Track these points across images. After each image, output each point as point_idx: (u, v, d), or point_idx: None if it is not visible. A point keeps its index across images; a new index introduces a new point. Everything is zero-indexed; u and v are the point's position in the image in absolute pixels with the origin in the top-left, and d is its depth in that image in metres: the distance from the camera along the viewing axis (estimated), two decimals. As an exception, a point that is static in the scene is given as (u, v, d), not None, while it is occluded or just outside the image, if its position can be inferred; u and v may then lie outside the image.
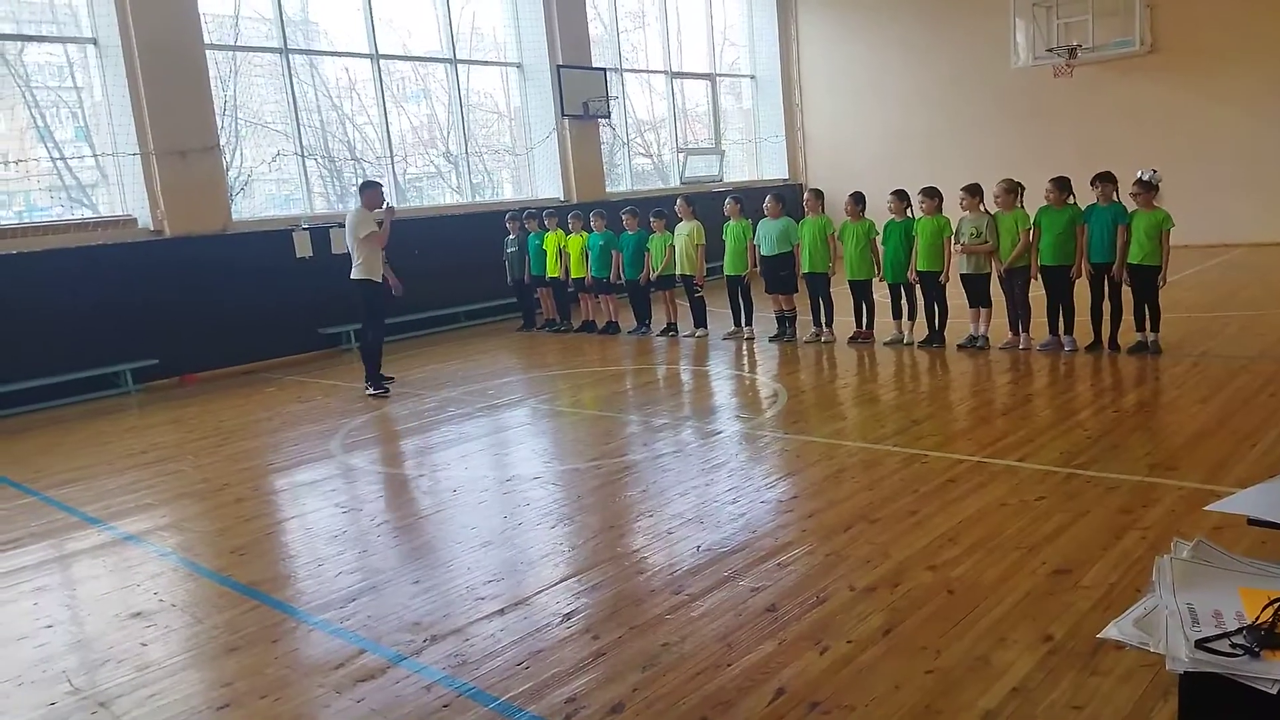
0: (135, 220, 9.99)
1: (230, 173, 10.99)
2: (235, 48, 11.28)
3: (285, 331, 10.76)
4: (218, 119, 10.55)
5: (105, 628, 3.74)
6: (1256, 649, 1.51)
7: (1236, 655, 1.52)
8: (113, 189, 10.09)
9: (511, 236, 11.39)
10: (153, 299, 9.71)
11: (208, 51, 10.44)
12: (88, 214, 10.03)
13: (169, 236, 9.98)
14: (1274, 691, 1.44)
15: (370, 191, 8.10)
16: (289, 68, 11.49)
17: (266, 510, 5.29)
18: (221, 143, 10.60)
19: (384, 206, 8.12)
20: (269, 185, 11.86)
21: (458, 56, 13.35)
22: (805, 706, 2.70)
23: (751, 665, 2.96)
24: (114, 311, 9.46)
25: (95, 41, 9.87)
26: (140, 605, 3.93)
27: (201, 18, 10.29)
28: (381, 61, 12.45)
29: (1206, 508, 2.13)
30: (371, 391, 8.19)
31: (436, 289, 12.08)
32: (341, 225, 11.23)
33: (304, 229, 10.98)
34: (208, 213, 10.27)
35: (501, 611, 3.54)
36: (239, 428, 7.46)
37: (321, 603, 3.79)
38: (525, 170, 14.34)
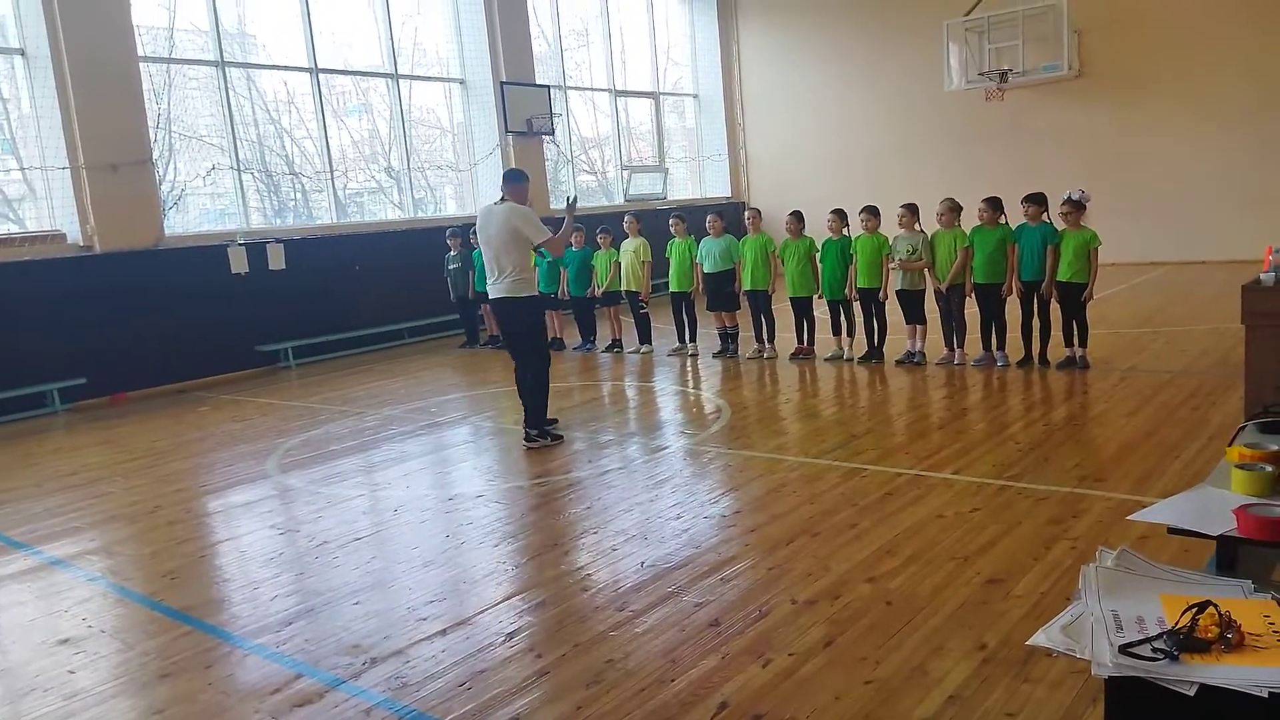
0: (64, 235, 9.71)
1: (163, 187, 10.75)
2: (169, 60, 11.06)
3: (220, 349, 10.53)
4: (151, 132, 10.32)
5: (31, 655, 3.61)
6: (1176, 653, 1.58)
7: (1158, 659, 1.58)
8: (41, 203, 9.79)
9: (453, 253, 11.32)
10: (82, 316, 9.43)
11: (141, 64, 10.22)
12: (14, 229, 9.72)
13: (99, 252, 9.71)
14: (1191, 693, 1.50)
15: (518, 185, 6.29)
16: (225, 81, 11.30)
17: (200, 533, 5.16)
18: (155, 156, 10.38)
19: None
20: (203, 200, 11.62)
21: (399, 71, 13.26)
22: (748, 719, 2.72)
23: (695, 680, 2.97)
24: (41, 329, 9.17)
25: (23, 52, 9.60)
26: (68, 631, 3.80)
27: (135, 29, 10.08)
28: (321, 75, 12.32)
29: (1129, 517, 2.21)
30: (537, 442, 6.29)
31: (379, 306, 11.95)
32: (278, 241, 11.12)
33: (240, 244, 10.77)
34: (140, 228, 10.02)
35: (443, 632, 3.50)
36: (171, 448, 7.27)
37: (257, 627, 3.71)
38: (468, 186, 14.27)
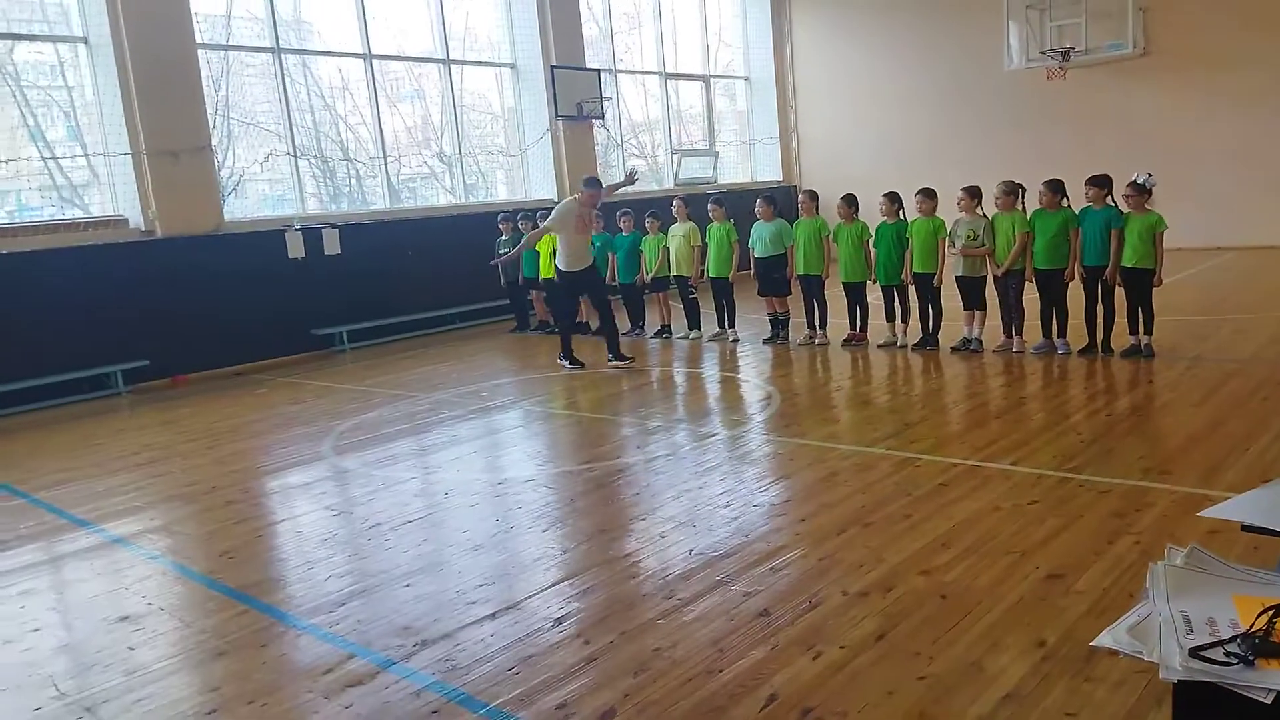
0: (127, 220, 9.94)
1: (222, 173, 10.94)
2: (227, 47, 11.23)
3: (277, 332, 10.72)
4: (210, 119, 10.50)
5: (93, 631, 3.71)
6: (1251, 657, 1.50)
7: (1230, 664, 1.51)
8: (104, 189, 10.04)
9: (504, 238, 11.36)
10: (144, 300, 9.65)
11: (200, 51, 10.39)
12: (79, 214, 9.98)
13: (160, 237, 9.93)
14: (1268, 701, 1.43)
15: (583, 189, 8.63)
16: (281, 67, 11.44)
17: (257, 513, 5.25)
18: (214, 142, 10.56)
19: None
20: (261, 185, 11.81)
21: (451, 57, 13.32)
22: (798, 712, 2.68)
23: (743, 670, 2.94)
24: (105, 312, 9.41)
25: (86, 40, 9.82)
26: (128, 609, 3.89)
27: (193, 17, 10.24)
28: (375, 61, 12.42)
29: (1200, 513, 2.12)
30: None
31: (431, 290, 12.05)
32: (334, 226, 11.27)
33: (296, 230, 10.93)
34: (200, 213, 10.22)
35: (493, 616, 3.51)
36: (230, 430, 7.42)
37: (311, 607, 3.76)
38: (519, 171, 14.31)
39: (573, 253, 8.41)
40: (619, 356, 8.57)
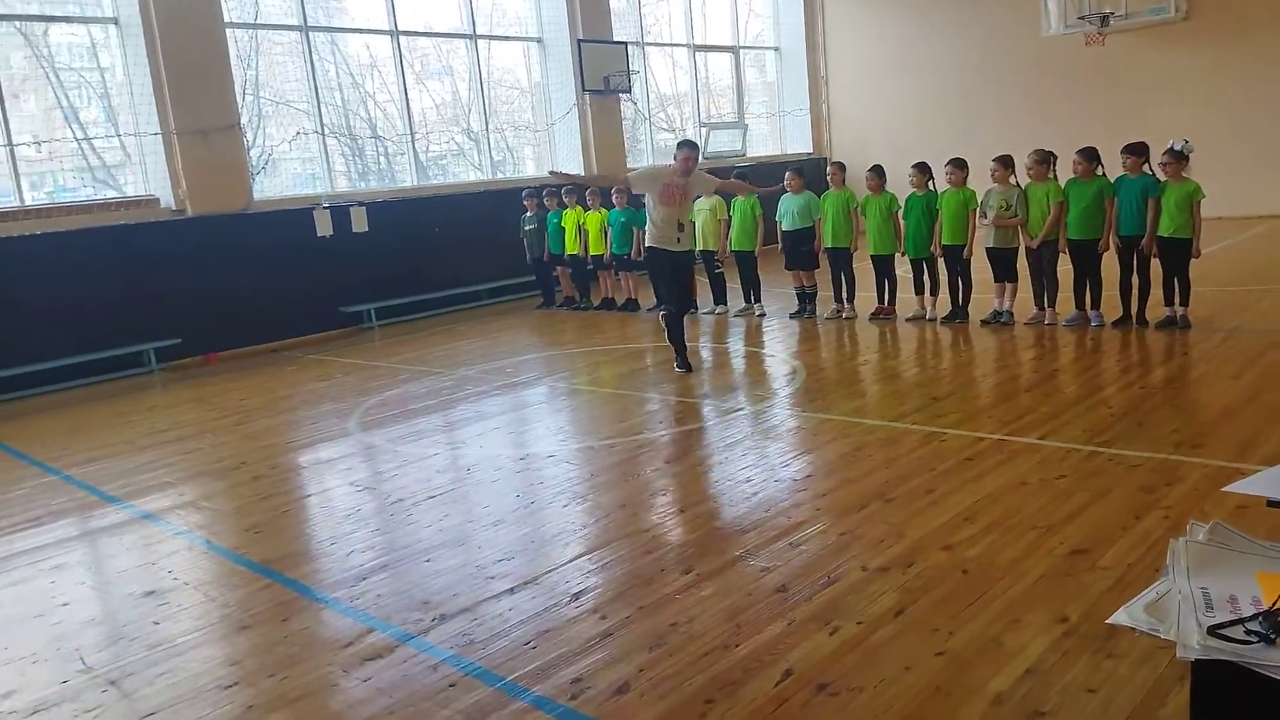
0: (158, 200, 10.03)
1: (252, 152, 11.00)
2: (255, 25, 11.25)
3: (307, 310, 10.80)
4: (239, 98, 10.54)
5: (120, 606, 3.77)
6: (1272, 636, 1.45)
7: (1251, 642, 1.46)
8: (136, 169, 10.14)
9: (529, 214, 11.33)
10: (175, 278, 9.77)
11: (228, 30, 10.42)
12: (112, 194, 10.08)
13: (191, 216, 10.02)
14: (1288, 681, 1.38)
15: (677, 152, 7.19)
16: (309, 45, 11.45)
17: (283, 488, 5.30)
18: (243, 121, 10.61)
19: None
20: (291, 164, 11.85)
21: (478, 32, 13.25)
22: (813, 688, 2.66)
23: (760, 646, 2.92)
24: (138, 291, 9.53)
25: (116, 21, 9.88)
26: (155, 584, 3.95)
27: (221, -5, 10.28)
28: (402, 38, 12.39)
29: (1225, 488, 2.05)
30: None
31: (458, 267, 12.08)
32: (361, 204, 11.31)
33: (325, 208, 10.98)
34: (229, 192, 10.29)
35: (511, 591, 3.52)
36: (260, 406, 7.50)
37: (333, 581, 3.79)
38: (546, 146, 14.25)
39: (655, 227, 7.08)
40: (683, 362, 7.25)
